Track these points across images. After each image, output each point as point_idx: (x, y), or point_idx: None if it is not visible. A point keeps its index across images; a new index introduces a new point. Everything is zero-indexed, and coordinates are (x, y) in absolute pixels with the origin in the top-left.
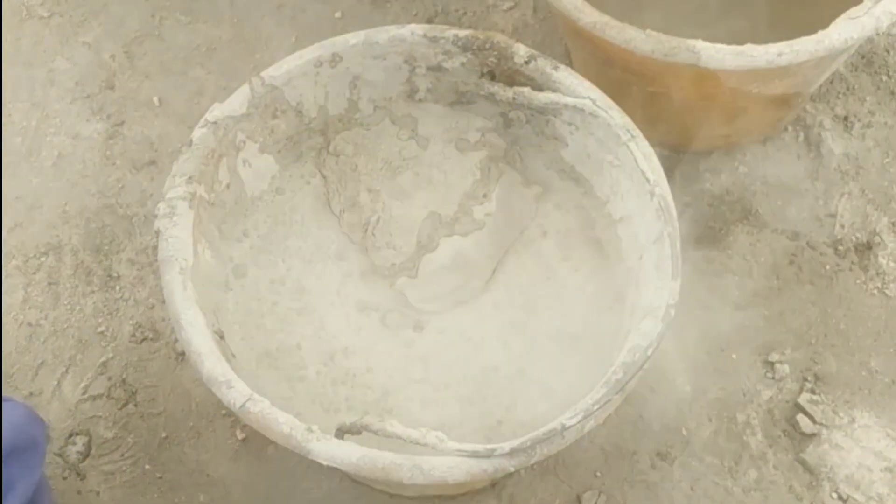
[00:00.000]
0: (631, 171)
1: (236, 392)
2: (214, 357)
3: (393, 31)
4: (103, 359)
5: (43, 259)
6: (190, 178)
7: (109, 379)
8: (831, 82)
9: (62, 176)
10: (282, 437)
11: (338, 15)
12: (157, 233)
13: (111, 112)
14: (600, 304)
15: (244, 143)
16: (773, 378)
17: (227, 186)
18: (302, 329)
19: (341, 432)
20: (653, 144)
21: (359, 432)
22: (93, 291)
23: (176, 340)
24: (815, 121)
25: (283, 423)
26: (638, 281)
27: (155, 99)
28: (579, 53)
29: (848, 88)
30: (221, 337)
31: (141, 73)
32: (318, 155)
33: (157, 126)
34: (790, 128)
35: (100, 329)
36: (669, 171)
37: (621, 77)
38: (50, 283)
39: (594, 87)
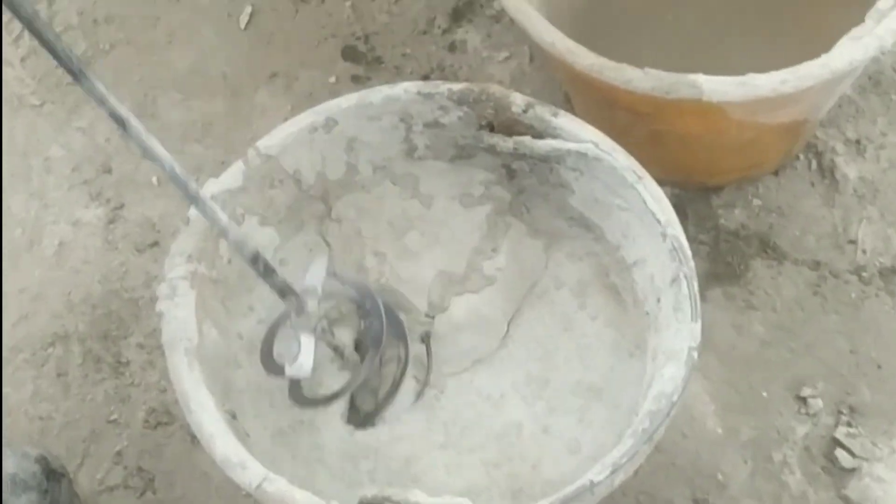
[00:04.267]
0: (641, 213)
1: (251, 473)
2: (226, 438)
3: (386, 90)
4: (118, 448)
5: (50, 350)
6: (189, 256)
7: (125, 468)
8: (840, 106)
9: (64, 264)
10: None
11: (332, 80)
12: (160, 315)
13: (110, 196)
14: (621, 352)
15: (243, 216)
16: (806, 413)
17: (229, 262)
18: None
19: None
20: (662, 184)
21: None
22: (103, 379)
23: None
24: (826, 147)
25: (300, 500)
26: (658, 325)
27: (154, 179)
28: (579, 98)
29: (857, 111)
30: (234, 416)
31: (137, 155)
32: (320, 223)
33: (157, 206)
34: (802, 156)
35: (112, 417)
36: (681, 210)
37: (624, 118)
38: (59, 375)
39: (596, 131)
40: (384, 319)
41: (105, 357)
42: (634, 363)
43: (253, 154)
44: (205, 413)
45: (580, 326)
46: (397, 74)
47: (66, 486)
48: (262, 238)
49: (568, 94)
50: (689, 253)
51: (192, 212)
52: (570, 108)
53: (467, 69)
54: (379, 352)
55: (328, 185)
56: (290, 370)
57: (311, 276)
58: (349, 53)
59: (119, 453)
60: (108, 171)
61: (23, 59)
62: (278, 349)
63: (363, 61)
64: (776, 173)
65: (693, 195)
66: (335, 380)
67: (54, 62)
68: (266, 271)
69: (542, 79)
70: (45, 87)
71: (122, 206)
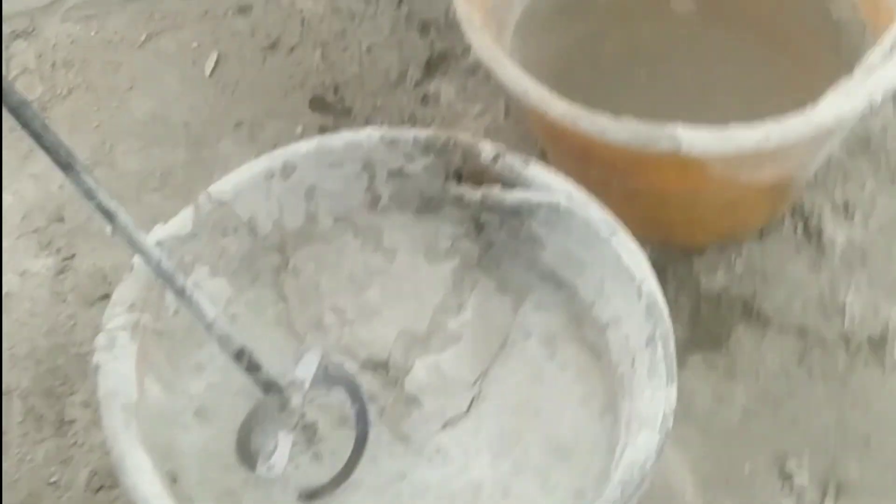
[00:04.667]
0: (615, 269)
1: None
2: (163, 502)
3: (348, 136)
4: None
5: None
6: (132, 305)
7: None
8: (827, 167)
9: (9, 316)
10: None
11: (299, 130)
12: (96, 368)
13: (60, 245)
14: (591, 410)
15: (192, 265)
16: (791, 489)
17: (176, 313)
18: None
19: None
20: (641, 244)
21: None
22: (44, 439)
23: None
24: (813, 209)
25: None
26: (632, 390)
27: (108, 229)
28: (554, 153)
29: (846, 173)
30: (174, 480)
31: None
32: (276, 275)
33: (110, 258)
34: (787, 218)
35: (53, 479)
36: (660, 271)
37: (599, 175)
38: None
39: (569, 182)
40: (368, 420)
41: (48, 415)
42: (606, 423)
43: (204, 199)
44: (140, 475)
45: (550, 378)
46: (367, 126)
47: None
48: (213, 289)
49: (544, 150)
50: (665, 311)
51: (137, 259)
52: (546, 165)
53: (440, 122)
54: (363, 453)
55: (285, 235)
56: (261, 468)
57: (301, 370)
58: (317, 104)
59: None
60: (60, 219)
61: None
62: (255, 442)
63: (332, 112)
64: (760, 236)
65: (673, 256)
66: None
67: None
68: (251, 367)
69: (518, 134)
70: None
71: (72, 257)
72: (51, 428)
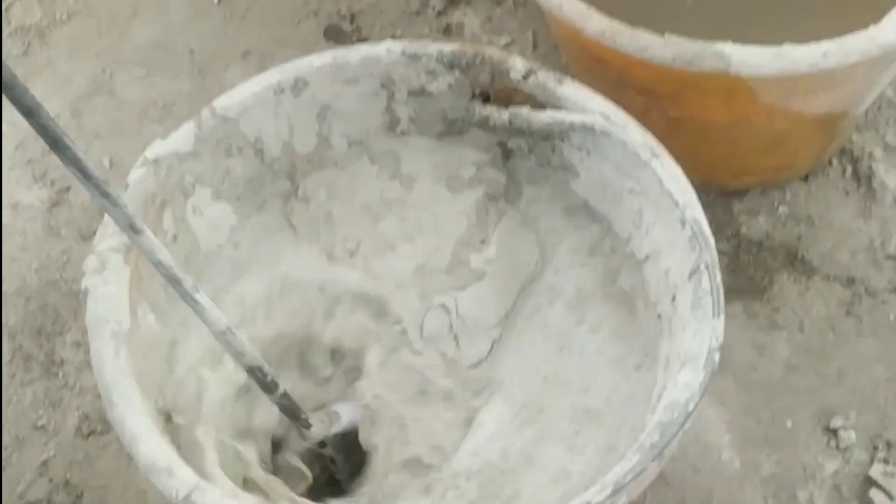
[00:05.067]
0: (656, 196)
1: (178, 480)
2: (153, 439)
3: (365, 49)
4: (44, 457)
5: None
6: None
7: (51, 481)
8: (878, 108)
9: None
10: None
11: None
12: (85, 292)
13: (55, 178)
14: (626, 366)
15: (193, 187)
16: (837, 448)
17: (174, 238)
18: None
19: None
20: None
21: None
22: (32, 380)
23: None
24: (863, 152)
25: None
26: (672, 329)
27: (105, 160)
28: (587, 80)
29: None
30: (169, 417)
31: (89, 133)
32: (284, 202)
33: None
34: (835, 161)
35: (40, 423)
36: None
37: (637, 101)
38: None
39: (606, 101)
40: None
41: (37, 355)
42: (643, 377)
43: (207, 115)
44: (129, 408)
45: (578, 344)
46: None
47: None
48: (216, 214)
49: (574, 77)
50: (710, 239)
51: (133, 175)
52: None
53: None
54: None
55: (295, 159)
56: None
57: (342, 414)
58: (332, 33)
59: (45, 464)
60: None
61: None
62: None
63: (347, 42)
64: (806, 179)
65: (712, 199)
66: None
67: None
68: (267, 386)
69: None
70: None
71: (67, 189)
72: (40, 369)
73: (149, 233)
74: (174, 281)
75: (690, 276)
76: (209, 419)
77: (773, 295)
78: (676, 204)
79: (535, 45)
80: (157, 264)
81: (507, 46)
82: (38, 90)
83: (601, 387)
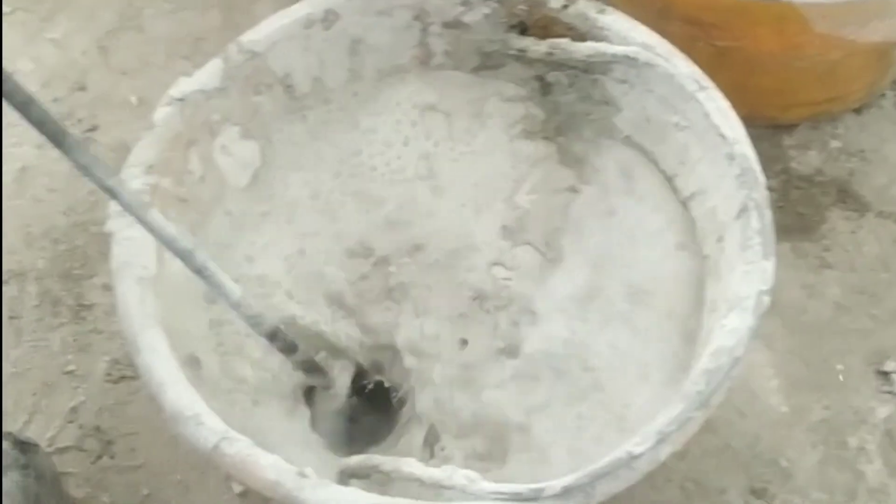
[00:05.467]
0: (703, 131)
1: (206, 430)
2: (180, 386)
3: None
4: (73, 403)
5: (3, 289)
6: (150, 167)
7: (81, 427)
8: None
9: (25, 192)
10: (266, 484)
11: None
12: (110, 235)
13: (83, 116)
14: (667, 243)
15: (220, 125)
16: (890, 392)
17: (202, 179)
18: None
19: (345, 476)
20: None
21: (367, 476)
22: (61, 324)
23: None
24: None
25: (266, 466)
26: (718, 270)
27: (133, 98)
28: (631, 9)
29: None
30: (197, 364)
31: (116, 71)
32: (314, 139)
33: (135, 129)
34: (889, 92)
35: (69, 368)
36: None
37: (682, 31)
38: (11, 317)
39: (651, 32)
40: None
41: (65, 299)
42: (683, 256)
43: (234, 50)
44: (155, 355)
45: (622, 211)
46: None
47: (42, 455)
48: (244, 153)
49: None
50: (760, 177)
51: (158, 114)
52: None
53: None
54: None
55: (327, 95)
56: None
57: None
58: None
59: (74, 410)
60: (83, 88)
61: None
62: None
63: None
64: (859, 111)
65: (761, 133)
66: None
67: None
68: (286, 348)
69: None
70: None
71: (95, 129)
72: (68, 313)
73: (154, 213)
74: (185, 255)
75: (739, 215)
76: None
77: (823, 233)
78: (724, 138)
79: None
80: (166, 241)
81: None
82: (64, 26)
83: (644, 262)
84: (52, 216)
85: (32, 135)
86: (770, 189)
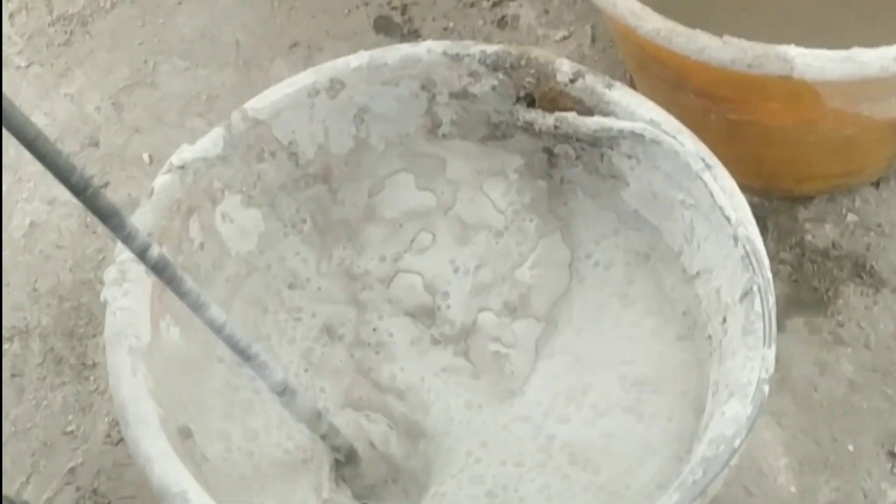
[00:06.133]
0: (708, 210)
1: None
2: (167, 461)
3: (405, 49)
4: (72, 464)
5: (7, 346)
6: (148, 235)
7: (78, 489)
8: None
9: (34, 248)
10: None
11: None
12: (104, 304)
13: (94, 172)
14: (667, 337)
15: (222, 193)
16: None
17: (201, 246)
18: None
19: None
20: (739, 188)
21: None
22: (63, 383)
23: None
24: None
25: None
26: (722, 353)
27: (145, 156)
28: (644, 79)
29: None
30: (188, 435)
31: (129, 127)
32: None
33: (146, 186)
34: None
35: (69, 428)
36: (761, 222)
37: (695, 104)
38: (13, 375)
39: (658, 108)
40: None
41: (68, 357)
42: (687, 345)
43: (238, 117)
44: (144, 428)
45: (612, 319)
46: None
47: None
48: (245, 222)
49: (633, 79)
50: (765, 260)
51: (158, 182)
52: None
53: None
54: None
55: (332, 162)
56: None
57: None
58: (382, 25)
59: (72, 471)
60: (95, 144)
61: (11, 15)
62: None
63: (398, 34)
64: (877, 184)
65: (776, 205)
66: None
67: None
68: (330, 434)
69: (606, 63)
70: (33, 46)
71: (106, 185)
72: (71, 372)
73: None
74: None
75: (742, 298)
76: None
77: (837, 308)
78: (728, 220)
79: (593, 39)
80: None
81: (563, 40)
82: (79, 81)
83: (646, 357)
84: (58, 272)
85: (42, 190)
86: (784, 262)
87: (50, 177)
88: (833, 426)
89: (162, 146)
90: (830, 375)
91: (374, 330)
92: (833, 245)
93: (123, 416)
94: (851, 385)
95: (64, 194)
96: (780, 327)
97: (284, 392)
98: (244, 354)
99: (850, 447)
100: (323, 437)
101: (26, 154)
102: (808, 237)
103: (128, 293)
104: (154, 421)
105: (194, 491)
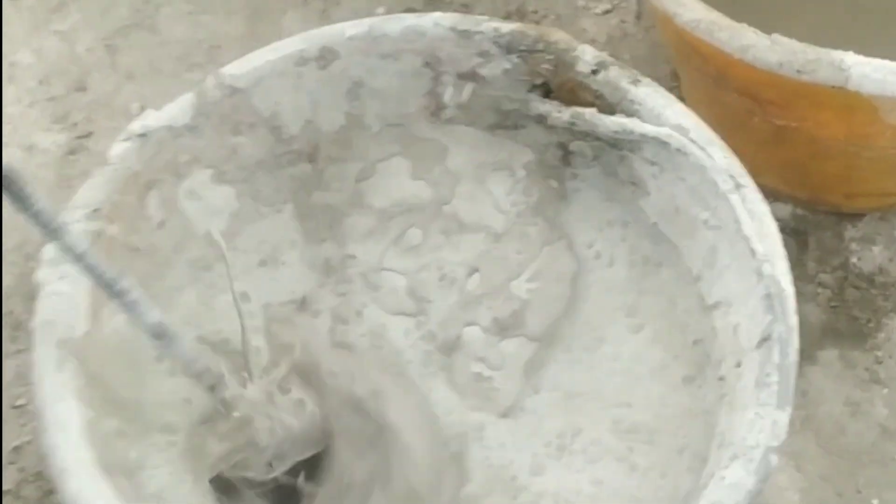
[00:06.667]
0: (733, 236)
1: None
2: (84, 476)
3: (409, 20)
4: (17, 442)
5: None
6: (95, 210)
7: (21, 471)
8: None
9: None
10: None
11: (380, 11)
12: (36, 287)
13: (78, 120)
14: (672, 378)
15: (189, 167)
16: None
17: (161, 226)
18: None
19: None
20: (781, 200)
21: None
22: (18, 351)
23: None
24: None
25: None
26: (733, 400)
27: (135, 106)
28: (685, 70)
29: None
30: (122, 435)
31: (122, 73)
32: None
33: None
34: None
35: (19, 402)
36: (802, 237)
37: (738, 104)
38: None
39: (688, 112)
40: None
41: (26, 322)
42: (695, 392)
43: (212, 83)
44: (63, 435)
45: (613, 343)
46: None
47: None
48: (216, 200)
49: (676, 72)
50: (790, 304)
51: (114, 150)
52: (678, 89)
53: (554, 19)
54: None
55: (319, 140)
56: None
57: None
58: None
59: (17, 450)
60: (83, 88)
61: None
62: None
63: None
64: None
65: (821, 220)
66: None
67: None
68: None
69: (648, 46)
70: None
71: (89, 135)
72: (28, 339)
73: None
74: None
75: (760, 343)
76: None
77: (878, 343)
78: (754, 253)
79: (638, 16)
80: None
81: (605, 14)
82: (73, 18)
83: (645, 401)
84: (26, 228)
85: (21, 135)
86: (824, 286)
87: (30, 120)
88: (858, 476)
89: (154, 97)
90: (862, 418)
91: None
92: (880, 270)
93: (41, 420)
94: (884, 431)
95: (45, 141)
96: (812, 359)
97: (161, 335)
98: (111, 290)
99: (875, 502)
100: (211, 388)
101: (10, 92)
102: (854, 259)
103: (64, 276)
104: (76, 426)
105: None
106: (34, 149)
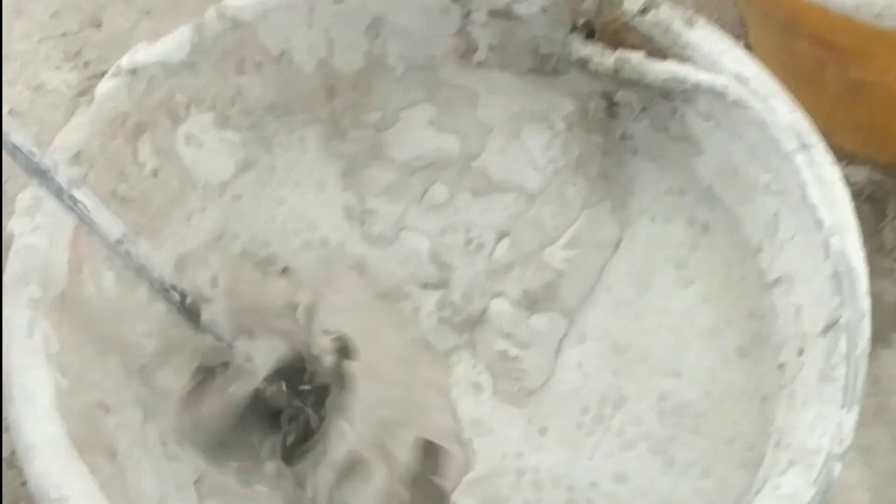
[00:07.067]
0: (797, 203)
1: None
2: (51, 455)
3: None
4: None
5: None
6: (77, 155)
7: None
8: None
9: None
10: None
11: None
12: (9, 238)
13: (90, 58)
14: (725, 348)
15: (187, 109)
16: None
17: (154, 174)
18: None
19: None
20: (858, 162)
21: None
22: None
23: None
24: None
25: None
26: (793, 393)
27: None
28: (752, 15)
29: None
30: (107, 410)
31: (139, 8)
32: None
33: None
34: None
35: None
36: (880, 204)
37: (811, 54)
38: None
39: (750, 59)
40: None
41: None
42: (750, 369)
43: (212, 15)
44: (30, 407)
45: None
46: None
47: None
48: (218, 147)
49: (743, 18)
50: (862, 285)
51: (102, 87)
52: (744, 36)
53: None
54: None
55: (337, 80)
56: None
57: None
58: None
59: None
60: (97, 24)
61: None
62: None
63: None
64: None
65: None
66: None
67: None
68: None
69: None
70: None
71: (101, 75)
72: None
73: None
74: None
75: (825, 330)
76: None
77: None
78: (821, 224)
79: None
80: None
81: None
82: None
83: (695, 372)
84: None
85: (28, 74)
86: None
87: (41, 57)
88: None
89: None
90: None
91: None
92: None
93: (7, 389)
94: None
95: (54, 80)
96: (886, 342)
97: (122, 243)
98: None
99: None
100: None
101: (18, 26)
102: None
103: (39, 228)
104: (46, 398)
105: (79, 498)
106: (42, 88)
